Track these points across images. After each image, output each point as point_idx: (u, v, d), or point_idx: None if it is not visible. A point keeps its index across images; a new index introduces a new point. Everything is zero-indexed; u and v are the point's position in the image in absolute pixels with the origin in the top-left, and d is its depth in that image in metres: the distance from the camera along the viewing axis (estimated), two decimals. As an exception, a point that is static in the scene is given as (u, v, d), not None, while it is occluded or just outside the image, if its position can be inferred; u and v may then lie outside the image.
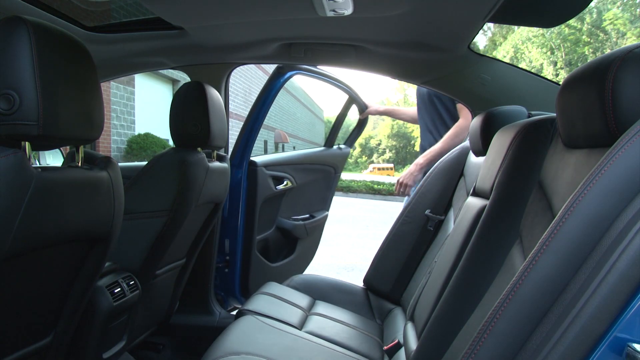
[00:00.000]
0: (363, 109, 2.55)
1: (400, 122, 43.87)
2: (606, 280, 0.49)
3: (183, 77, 9.63)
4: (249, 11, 1.41)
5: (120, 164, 1.75)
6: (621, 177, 0.52)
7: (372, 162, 43.43)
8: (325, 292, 1.83)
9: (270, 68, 2.33)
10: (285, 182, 2.38)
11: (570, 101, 0.75)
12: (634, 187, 0.51)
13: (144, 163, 1.65)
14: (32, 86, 0.80)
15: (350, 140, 2.73)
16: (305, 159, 2.50)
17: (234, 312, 2.05)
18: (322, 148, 2.61)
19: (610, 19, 13.98)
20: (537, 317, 0.53)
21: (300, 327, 1.46)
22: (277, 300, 1.60)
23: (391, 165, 35.09)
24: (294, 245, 2.43)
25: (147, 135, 9.07)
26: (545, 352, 0.51)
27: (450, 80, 1.81)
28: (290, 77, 2.19)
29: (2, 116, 0.79)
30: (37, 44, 0.81)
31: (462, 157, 1.84)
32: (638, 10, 14.53)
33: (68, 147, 1.51)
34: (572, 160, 0.77)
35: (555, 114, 0.83)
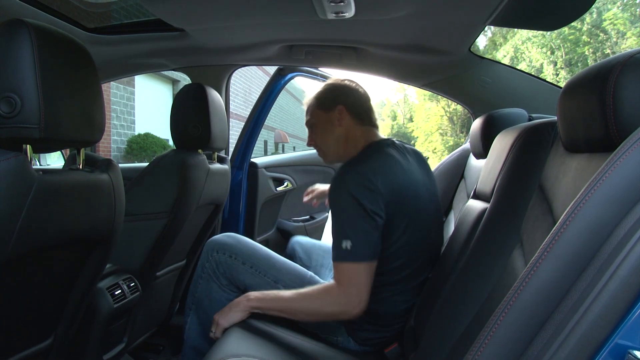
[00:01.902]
0: None
1: (400, 122, 43.87)
2: (607, 287, 0.50)
3: (183, 78, 9.62)
4: (250, 13, 1.41)
5: (120, 165, 1.75)
6: (622, 184, 0.52)
7: (372, 162, 43.18)
8: None
9: (271, 68, 2.33)
10: (285, 184, 2.38)
11: (571, 106, 0.75)
12: (635, 194, 0.51)
13: (145, 164, 1.65)
14: (34, 89, 0.80)
15: None
16: (305, 160, 2.50)
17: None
18: None
19: (610, 19, 13.97)
20: (538, 324, 0.53)
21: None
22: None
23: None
24: None
25: (147, 135, 9.07)
26: (546, 358, 0.51)
27: (451, 82, 1.81)
28: (291, 78, 2.19)
29: (3, 119, 0.79)
30: (39, 47, 0.81)
31: (462, 160, 1.84)
32: (638, 10, 14.52)
33: (69, 150, 1.51)
34: (573, 165, 0.77)
35: (556, 117, 0.83)
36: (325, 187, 1.94)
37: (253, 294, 1.33)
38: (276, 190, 2.32)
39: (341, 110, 1.43)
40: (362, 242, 1.24)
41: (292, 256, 1.86)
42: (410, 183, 1.31)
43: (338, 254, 1.25)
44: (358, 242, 1.24)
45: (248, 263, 1.45)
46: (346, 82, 1.48)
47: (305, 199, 1.90)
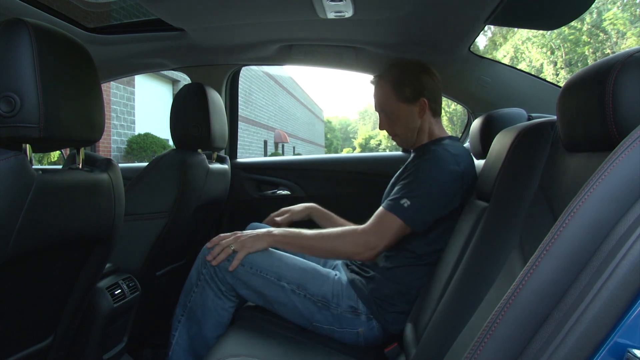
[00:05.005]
0: None
1: (400, 122, 43.91)
2: (606, 285, 0.50)
3: (183, 77, 9.61)
4: (249, 13, 1.41)
5: (120, 165, 1.75)
6: (622, 183, 0.52)
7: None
8: None
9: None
10: (279, 189, 2.18)
11: (570, 105, 0.75)
12: (634, 192, 0.51)
13: (145, 164, 1.65)
14: (33, 88, 0.80)
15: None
16: (298, 164, 2.27)
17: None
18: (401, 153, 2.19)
19: (610, 19, 13.98)
20: (538, 322, 0.53)
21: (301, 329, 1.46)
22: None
23: (391, 165, 34.97)
24: None
25: (147, 135, 9.07)
26: (545, 357, 0.51)
27: (451, 82, 1.81)
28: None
29: (3, 118, 0.79)
30: (38, 46, 0.81)
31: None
32: (638, 10, 14.53)
33: (69, 149, 1.51)
34: (572, 164, 0.77)
35: (555, 117, 0.83)
36: (297, 207, 1.76)
37: (276, 230, 1.39)
38: (259, 194, 2.16)
39: (424, 104, 1.43)
40: (419, 209, 1.31)
41: None
42: (475, 176, 1.38)
43: (392, 205, 1.33)
44: (416, 207, 1.31)
45: (247, 264, 1.37)
46: (424, 67, 1.43)
47: (278, 219, 1.72)
